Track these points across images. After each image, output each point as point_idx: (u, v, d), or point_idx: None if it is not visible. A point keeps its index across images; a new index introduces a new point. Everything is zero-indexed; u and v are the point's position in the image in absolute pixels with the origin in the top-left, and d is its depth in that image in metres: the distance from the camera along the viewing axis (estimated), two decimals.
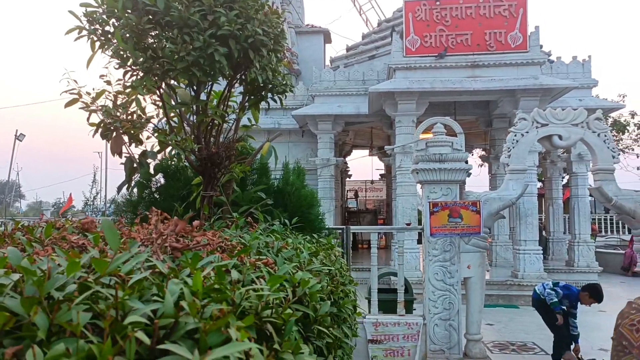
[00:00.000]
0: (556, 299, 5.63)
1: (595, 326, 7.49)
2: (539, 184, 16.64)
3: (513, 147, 6.06)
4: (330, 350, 1.81)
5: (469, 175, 6.61)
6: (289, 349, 1.11)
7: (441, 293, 5.69)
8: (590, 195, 15.21)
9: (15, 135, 19.34)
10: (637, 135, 21.95)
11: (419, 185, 11.78)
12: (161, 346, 0.71)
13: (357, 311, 3.10)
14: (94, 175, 25.28)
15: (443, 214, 5.89)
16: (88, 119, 4.74)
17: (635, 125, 21.86)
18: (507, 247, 12.22)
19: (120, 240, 1.15)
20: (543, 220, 16.15)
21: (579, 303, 5.71)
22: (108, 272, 0.86)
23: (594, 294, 5.61)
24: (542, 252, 10.34)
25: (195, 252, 1.17)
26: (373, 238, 6.32)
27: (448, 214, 5.87)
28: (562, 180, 14.71)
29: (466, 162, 6.14)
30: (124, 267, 0.99)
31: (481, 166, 20.27)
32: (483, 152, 17.32)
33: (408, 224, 9.34)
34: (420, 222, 8.31)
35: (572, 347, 5.76)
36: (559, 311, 5.64)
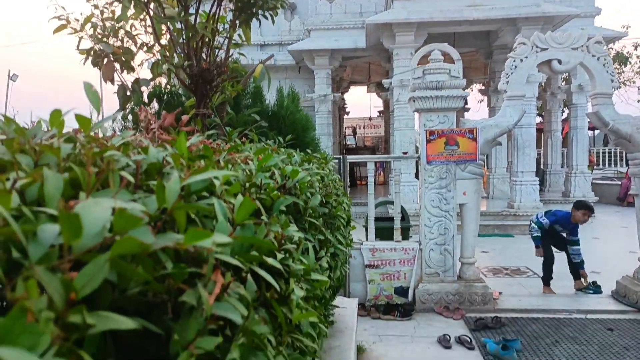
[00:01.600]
0: (537, 234, 5.83)
1: (588, 251, 7.67)
2: (539, 119, 16.56)
3: (511, 73, 5.98)
4: (322, 247, 1.87)
5: (465, 104, 6.56)
6: (277, 222, 1.14)
7: (437, 219, 5.78)
8: (589, 129, 15.19)
9: (8, 76, 19.05)
10: (639, 68, 21.61)
11: (416, 119, 11.77)
12: (145, 182, 0.73)
13: (352, 225, 3.17)
14: (91, 115, 24.95)
15: (439, 141, 5.90)
16: (78, 46, 4.66)
17: (637, 57, 21.48)
18: (504, 180, 12.32)
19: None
20: (541, 153, 16.19)
21: (577, 226, 5.82)
22: (92, 129, 0.87)
23: (583, 206, 5.72)
24: (538, 183, 10.43)
25: (182, 132, 1.18)
26: (370, 167, 6.35)
27: (444, 142, 5.87)
28: (562, 115, 14.62)
29: (463, 89, 6.08)
30: (112, 140, 1.00)
31: (481, 102, 20.11)
32: (482, 87, 17.12)
33: (405, 153, 9.38)
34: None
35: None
36: (538, 244, 5.85)
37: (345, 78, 16.88)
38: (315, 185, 1.75)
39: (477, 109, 20.19)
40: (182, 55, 3.00)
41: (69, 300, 0.36)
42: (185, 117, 1.53)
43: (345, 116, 19.42)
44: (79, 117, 0.87)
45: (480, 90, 18.11)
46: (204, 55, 3.25)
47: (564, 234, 5.97)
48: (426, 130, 5.87)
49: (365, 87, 19.71)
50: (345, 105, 18.72)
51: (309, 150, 2.89)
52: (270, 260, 0.85)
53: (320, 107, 12.86)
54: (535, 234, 5.86)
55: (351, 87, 18.49)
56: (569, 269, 5.94)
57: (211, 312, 0.56)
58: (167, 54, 3.08)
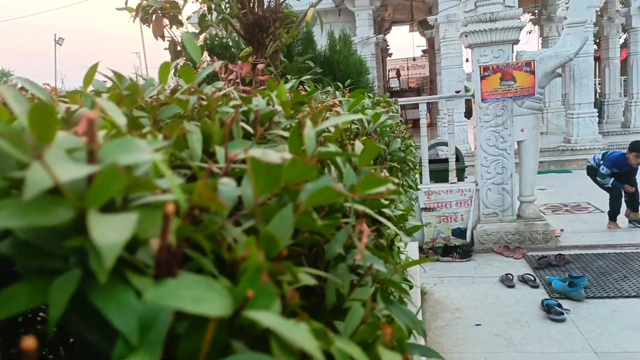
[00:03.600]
0: (610, 182, 5.50)
1: None
2: (595, 46, 15.58)
3: None
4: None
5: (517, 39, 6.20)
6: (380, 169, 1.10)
7: (494, 158, 5.62)
8: None
9: (55, 40, 19.37)
10: None
11: (464, 56, 11.29)
12: (266, 132, 0.71)
13: (417, 167, 3.11)
14: (136, 76, 25.34)
15: (494, 77, 5.65)
16: (126, 3, 4.64)
17: None
18: (559, 114, 11.80)
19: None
20: (599, 83, 15.34)
21: (636, 168, 5.53)
22: (195, 82, 0.85)
23: (635, 146, 5.40)
24: (597, 115, 9.94)
25: (270, 79, 1.14)
26: (422, 108, 6.19)
27: (500, 77, 5.62)
28: (620, 40, 13.68)
29: (519, 19, 5.74)
30: (205, 88, 0.98)
31: (530, 32, 19.05)
32: (532, 16, 16.16)
33: (457, 92, 9.09)
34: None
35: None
36: (620, 187, 5.52)
37: (387, 18, 16.29)
38: (393, 126, 1.70)
39: (525, 41, 19.10)
40: (236, 3, 2.92)
41: (280, 256, 0.33)
42: (260, 66, 1.49)
43: (388, 58, 18.88)
44: (183, 69, 0.85)
45: (531, 20, 17.13)
46: (253, 2, 3.17)
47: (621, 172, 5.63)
48: (480, 67, 5.62)
49: (407, 27, 19.00)
50: (388, 47, 18.15)
51: (370, 95, 2.80)
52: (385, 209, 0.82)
53: (363, 50, 12.50)
54: (609, 184, 5.55)
55: (393, 27, 17.87)
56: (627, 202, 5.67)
57: (366, 262, 0.53)
58: (216, 1, 3.01)
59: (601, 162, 5.63)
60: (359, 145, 0.75)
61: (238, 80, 1.30)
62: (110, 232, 0.24)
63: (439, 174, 6.26)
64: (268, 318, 0.25)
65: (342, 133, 1.12)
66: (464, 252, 5.26)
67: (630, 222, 5.65)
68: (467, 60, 12.55)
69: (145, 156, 0.29)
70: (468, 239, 5.52)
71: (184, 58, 4.82)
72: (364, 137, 1.25)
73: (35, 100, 0.85)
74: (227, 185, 0.39)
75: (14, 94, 0.28)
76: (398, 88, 19.69)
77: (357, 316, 0.44)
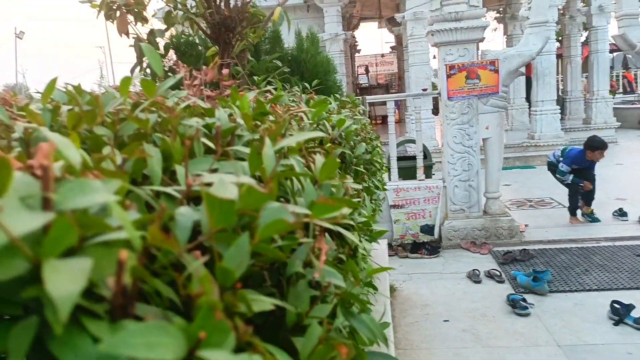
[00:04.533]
0: (570, 178, 5.65)
1: (612, 178, 7.62)
2: (557, 44, 15.99)
3: None
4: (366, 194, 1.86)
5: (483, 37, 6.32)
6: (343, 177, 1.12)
7: (460, 155, 5.73)
8: (611, 52, 14.66)
9: (15, 34, 18.76)
10: None
11: (431, 54, 11.44)
12: (227, 148, 0.71)
13: (384, 167, 3.16)
14: (101, 70, 24.88)
15: (460, 76, 5.75)
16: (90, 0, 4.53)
17: None
18: (523, 111, 12.09)
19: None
20: (561, 80, 15.76)
21: (593, 162, 5.70)
22: (157, 94, 0.85)
23: (593, 144, 5.58)
24: (560, 112, 10.22)
25: (233, 87, 1.15)
26: (390, 106, 6.25)
27: (465, 76, 5.73)
28: (581, 38, 14.08)
29: (484, 18, 5.86)
30: (168, 100, 0.98)
31: (495, 30, 19.42)
32: (497, 14, 16.48)
33: (424, 90, 9.20)
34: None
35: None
36: (580, 183, 5.66)
37: (356, 15, 16.36)
38: (358, 129, 1.72)
39: (491, 39, 19.50)
40: (201, 2, 2.90)
41: (235, 288, 0.35)
42: (225, 71, 1.49)
43: (357, 54, 18.97)
44: (143, 82, 0.85)
45: (496, 18, 17.48)
46: (219, 0, 3.14)
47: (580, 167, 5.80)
48: (446, 65, 5.71)
49: (376, 23, 19.12)
50: (357, 43, 18.24)
51: (337, 95, 2.83)
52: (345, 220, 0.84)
53: (332, 47, 12.53)
54: (570, 180, 5.70)
55: (361, 23, 17.96)
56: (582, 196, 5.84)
57: (325, 279, 0.55)
58: (182, 2, 2.98)
59: (560, 159, 5.79)
60: (319, 160, 0.76)
61: (202, 87, 1.30)
62: (65, 282, 0.25)
63: (408, 171, 6.34)
64: (221, 356, 0.27)
65: (303, 144, 1.13)
66: (433, 248, 5.36)
67: (583, 215, 5.85)
68: (434, 57, 12.73)
69: (100, 198, 0.30)
70: (436, 235, 5.62)
71: None
72: (328, 144, 1.27)
73: None
74: (184, 215, 0.40)
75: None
76: (367, 84, 19.82)
77: (315, 335, 0.46)
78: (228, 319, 0.32)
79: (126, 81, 0.81)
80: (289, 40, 4.50)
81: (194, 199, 0.55)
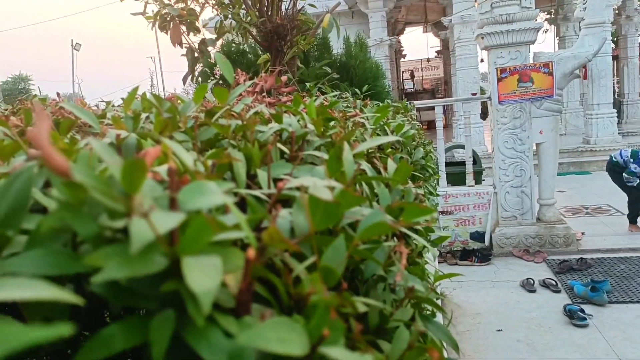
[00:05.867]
0: (635, 183, 5.32)
1: None
2: (613, 45, 15.37)
3: None
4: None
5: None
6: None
7: (512, 161, 5.59)
8: None
9: (72, 46, 19.71)
10: None
11: (479, 57, 11.22)
12: (301, 153, 0.73)
13: (436, 173, 3.12)
14: (151, 79, 25.76)
15: (512, 79, 5.62)
16: (144, 11, 4.72)
17: None
18: (577, 114, 11.68)
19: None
20: (617, 82, 15.14)
21: None
22: (228, 101, 0.87)
23: None
24: (616, 115, 9.81)
25: (296, 94, 1.17)
26: (438, 111, 6.18)
27: (517, 79, 5.60)
28: (638, 38, 13.49)
29: (536, 20, 5.71)
30: (235, 107, 1.00)
31: (546, 32, 18.85)
32: (549, 15, 16.00)
33: (474, 94, 9.04)
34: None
35: None
36: None
37: (400, 19, 16.27)
38: (415, 135, 1.71)
39: (541, 41, 18.93)
40: (254, 12, 2.96)
41: (340, 288, 0.36)
42: (284, 78, 1.52)
43: (402, 60, 18.84)
44: (216, 90, 0.88)
45: (546, 20, 16.98)
46: (270, 10, 3.20)
47: None
48: (497, 68, 5.59)
49: (421, 28, 18.95)
50: (402, 48, 18.11)
51: (388, 100, 2.82)
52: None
53: (377, 53, 12.49)
54: (635, 183, 5.37)
55: (406, 28, 17.84)
56: None
57: (407, 283, 0.55)
58: (234, 10, 3.05)
59: (631, 160, 5.45)
60: (391, 165, 0.77)
61: (264, 94, 1.32)
62: (203, 278, 0.26)
63: (456, 177, 6.23)
64: (341, 353, 0.27)
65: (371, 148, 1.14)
66: (483, 255, 5.24)
67: None
68: (482, 61, 12.48)
69: (218, 199, 0.32)
70: (487, 242, 5.49)
71: (201, 65, 4.89)
72: (389, 149, 1.27)
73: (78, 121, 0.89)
74: (284, 217, 0.41)
75: (104, 148, 0.31)
76: (412, 90, 19.61)
77: (403, 339, 0.46)
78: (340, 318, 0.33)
79: (202, 89, 0.84)
80: (337, 47, 4.53)
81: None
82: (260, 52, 4.59)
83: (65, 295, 0.22)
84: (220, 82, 4.66)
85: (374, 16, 12.59)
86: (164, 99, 0.82)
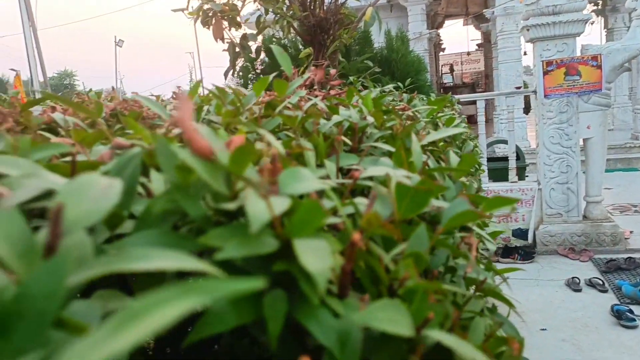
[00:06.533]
0: None
1: None
2: None
3: None
4: None
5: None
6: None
7: (557, 156, 5.43)
8: None
9: (115, 42, 20.26)
10: None
11: (522, 50, 10.93)
12: (362, 145, 0.73)
13: (482, 168, 3.07)
14: (190, 75, 26.22)
15: (558, 72, 5.46)
16: (187, 7, 4.80)
17: None
18: (625, 109, 11.24)
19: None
20: None
21: None
22: (287, 93, 0.88)
23: None
24: None
25: (349, 87, 1.17)
26: (480, 105, 6.06)
27: (564, 72, 5.43)
28: None
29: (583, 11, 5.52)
30: (291, 98, 1.02)
31: (593, 23, 18.18)
32: (595, 7, 15.44)
33: (518, 88, 8.83)
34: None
35: None
36: None
37: (440, 12, 16.00)
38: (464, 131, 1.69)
39: (587, 33, 18.25)
40: (297, 6, 2.97)
41: (432, 275, 0.36)
42: (333, 72, 1.52)
43: (441, 53, 18.54)
44: (276, 82, 0.89)
45: (593, 11, 16.39)
46: (314, 4, 3.21)
47: None
48: (542, 61, 5.44)
49: (461, 20, 18.59)
50: (441, 42, 17.83)
51: (432, 94, 2.79)
52: None
53: (416, 46, 12.34)
54: None
55: (446, 21, 17.54)
56: None
57: (480, 276, 0.55)
58: (278, 5, 3.07)
59: None
60: (454, 158, 0.76)
61: (315, 87, 1.33)
62: (315, 259, 0.27)
63: (498, 173, 6.11)
64: (444, 336, 0.28)
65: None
66: (526, 253, 5.12)
67: None
68: (525, 54, 12.17)
69: (315, 184, 0.32)
70: (530, 240, 5.37)
71: (242, 59, 4.94)
72: (441, 142, 1.26)
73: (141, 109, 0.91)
74: (363, 205, 0.41)
75: (210, 134, 0.32)
76: (451, 84, 19.27)
77: (479, 330, 0.46)
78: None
79: (262, 82, 0.85)
80: (377, 40, 4.50)
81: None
82: (300, 47, 4.61)
83: (205, 266, 0.23)
84: (261, 76, 4.71)
85: (413, 9, 12.44)
86: (227, 91, 0.84)
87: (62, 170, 0.35)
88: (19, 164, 0.32)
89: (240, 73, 4.85)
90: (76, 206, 0.24)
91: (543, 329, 3.55)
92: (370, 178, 0.52)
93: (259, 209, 0.28)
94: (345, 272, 0.30)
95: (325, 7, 3.03)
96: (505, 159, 5.99)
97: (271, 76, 0.90)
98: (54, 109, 0.87)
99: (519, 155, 6.14)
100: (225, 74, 4.94)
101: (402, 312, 0.28)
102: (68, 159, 0.49)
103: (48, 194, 0.30)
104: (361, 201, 0.44)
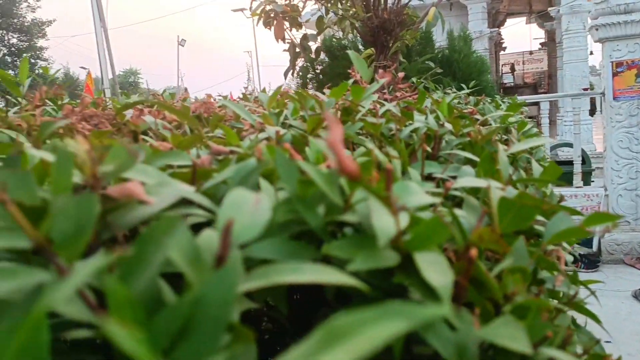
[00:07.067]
0: None
1: None
2: None
3: None
4: None
5: None
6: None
7: (626, 162, 5.17)
8: None
9: (178, 42, 20.97)
10: None
11: (589, 50, 10.45)
12: (441, 153, 0.73)
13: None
14: (248, 74, 26.74)
15: (629, 73, 5.20)
16: (250, 8, 4.90)
17: None
18: None
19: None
20: None
21: None
22: (362, 99, 0.89)
23: None
24: None
25: (421, 91, 1.17)
26: (544, 107, 5.86)
27: (635, 74, 5.17)
28: None
29: None
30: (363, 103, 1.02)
31: None
32: None
33: (585, 89, 8.47)
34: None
35: None
36: None
37: (502, 10, 15.52)
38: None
39: None
40: (361, 7, 2.98)
41: (539, 291, 0.36)
42: (401, 75, 1.52)
43: (502, 52, 17.97)
44: (353, 88, 0.90)
45: None
46: (377, 4, 3.20)
47: None
48: (612, 62, 5.20)
49: (524, 19, 17.97)
50: (502, 41, 17.28)
51: (497, 97, 2.73)
52: None
53: (475, 46, 12.04)
54: None
55: (507, 19, 17.00)
56: None
57: (569, 290, 0.54)
58: (342, 6, 3.08)
59: None
60: (536, 167, 0.75)
61: (384, 91, 1.34)
62: (437, 274, 0.28)
63: (562, 177, 5.84)
64: (563, 356, 0.28)
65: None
66: (590, 262, 4.91)
67: None
68: (591, 54, 11.63)
69: (426, 199, 0.33)
70: (594, 248, 5.13)
71: (302, 59, 4.99)
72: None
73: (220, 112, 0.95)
74: (464, 217, 0.42)
75: (334, 145, 0.33)
76: (512, 84, 18.64)
77: (574, 346, 0.46)
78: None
79: (342, 88, 0.86)
80: (438, 40, 4.44)
81: None
82: (360, 47, 4.61)
83: (351, 280, 0.24)
84: (321, 76, 4.74)
85: (474, 7, 12.15)
86: (309, 95, 0.86)
87: (184, 178, 0.38)
88: (149, 172, 0.35)
89: (300, 73, 4.90)
90: (236, 221, 0.26)
91: (608, 342, 3.39)
92: (455, 189, 0.52)
93: (386, 223, 0.29)
94: (461, 286, 0.31)
95: (388, 8, 3.02)
96: (569, 162, 5.75)
97: (350, 81, 0.91)
98: (141, 112, 0.92)
99: (585, 159, 5.88)
100: (285, 74, 5.01)
101: (519, 329, 0.28)
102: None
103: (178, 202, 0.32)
104: (462, 213, 0.45)
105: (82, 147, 0.30)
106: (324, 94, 2.10)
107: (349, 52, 0.93)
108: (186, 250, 0.24)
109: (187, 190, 0.33)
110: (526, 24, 17.61)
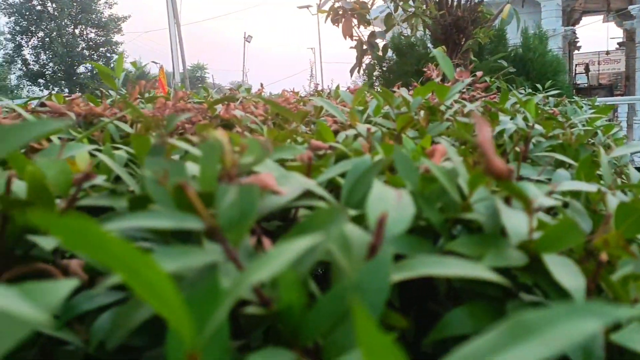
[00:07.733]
0: None
1: None
2: None
3: None
4: None
5: None
6: None
7: None
8: None
9: (245, 37, 21.45)
10: None
11: None
12: (532, 155, 0.72)
13: None
14: (311, 70, 26.97)
15: None
16: (319, 5, 4.94)
17: None
18: None
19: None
20: None
21: None
22: (447, 98, 0.89)
23: None
24: None
25: (504, 91, 1.14)
26: (622, 110, 5.55)
27: None
28: None
29: None
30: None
31: None
32: None
33: None
34: None
35: None
36: None
37: (577, 8, 14.79)
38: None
39: None
40: (434, 5, 2.93)
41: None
42: (479, 73, 1.49)
43: (576, 52, 17.12)
44: (438, 87, 0.90)
45: None
46: (451, 2, 3.14)
47: None
48: None
49: (600, 17, 17.04)
50: (577, 40, 16.46)
51: (575, 98, 2.61)
52: None
53: (548, 44, 11.59)
54: None
55: (583, 17, 16.19)
56: None
57: None
58: (416, 4, 3.05)
59: None
60: (634, 173, 0.71)
61: (463, 90, 1.31)
62: (568, 277, 0.28)
63: None
64: None
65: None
66: None
67: None
68: None
69: (548, 201, 0.33)
70: None
71: (369, 56, 4.98)
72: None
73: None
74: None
75: (484, 145, 0.34)
76: (586, 84, 17.71)
77: None
78: None
79: (429, 86, 0.86)
80: (511, 38, 4.30)
81: None
82: (429, 45, 4.54)
83: (493, 276, 0.25)
84: (387, 74, 4.71)
85: (548, 5, 11.67)
86: (394, 94, 0.86)
87: (300, 171, 0.39)
88: (270, 166, 0.36)
89: (366, 70, 4.90)
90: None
91: None
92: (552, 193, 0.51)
93: (518, 223, 0.29)
94: (588, 290, 0.30)
95: (461, 5, 2.96)
96: None
97: (436, 80, 0.91)
98: (229, 106, 0.95)
99: None
100: (352, 71, 5.02)
101: None
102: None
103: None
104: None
105: (225, 139, 0.32)
106: (393, 92, 2.09)
107: (435, 51, 0.93)
108: (340, 241, 0.26)
109: (310, 183, 0.35)
110: (603, 22, 16.71)
